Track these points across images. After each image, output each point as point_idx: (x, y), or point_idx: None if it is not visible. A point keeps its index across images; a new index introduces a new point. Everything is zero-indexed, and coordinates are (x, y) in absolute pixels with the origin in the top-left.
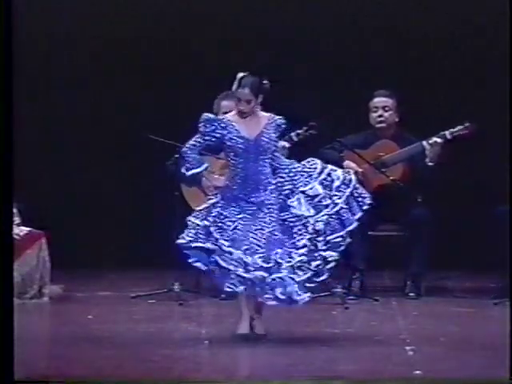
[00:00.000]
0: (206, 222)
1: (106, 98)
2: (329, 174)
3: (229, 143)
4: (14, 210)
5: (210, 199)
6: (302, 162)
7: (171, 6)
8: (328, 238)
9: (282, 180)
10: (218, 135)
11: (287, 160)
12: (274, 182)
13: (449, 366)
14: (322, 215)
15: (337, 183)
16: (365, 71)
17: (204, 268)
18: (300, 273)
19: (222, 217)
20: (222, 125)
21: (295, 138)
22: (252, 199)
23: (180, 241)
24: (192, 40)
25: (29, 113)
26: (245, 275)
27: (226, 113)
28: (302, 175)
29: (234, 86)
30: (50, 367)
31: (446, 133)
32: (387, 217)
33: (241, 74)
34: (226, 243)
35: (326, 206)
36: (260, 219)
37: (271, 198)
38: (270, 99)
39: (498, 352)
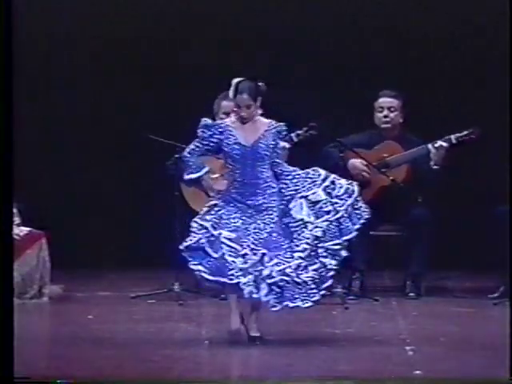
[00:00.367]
0: (205, 224)
1: (106, 98)
2: (332, 182)
3: (226, 149)
4: (14, 210)
5: (211, 201)
6: (306, 170)
7: (171, 6)
8: (327, 244)
9: (285, 186)
10: (215, 140)
11: (291, 167)
12: (274, 186)
13: (449, 366)
14: (323, 221)
15: (340, 191)
16: (365, 71)
17: (205, 273)
18: (297, 277)
19: (220, 218)
20: (220, 130)
21: (295, 139)
22: (249, 202)
23: (182, 245)
24: (192, 40)
25: (29, 113)
26: (242, 266)
27: (226, 113)
28: (305, 181)
29: (231, 93)
30: (50, 367)
31: (452, 137)
32: (388, 217)
33: (236, 80)
34: (226, 236)
35: (328, 213)
36: (259, 220)
37: (270, 201)
38: (270, 100)
39: (497, 352)
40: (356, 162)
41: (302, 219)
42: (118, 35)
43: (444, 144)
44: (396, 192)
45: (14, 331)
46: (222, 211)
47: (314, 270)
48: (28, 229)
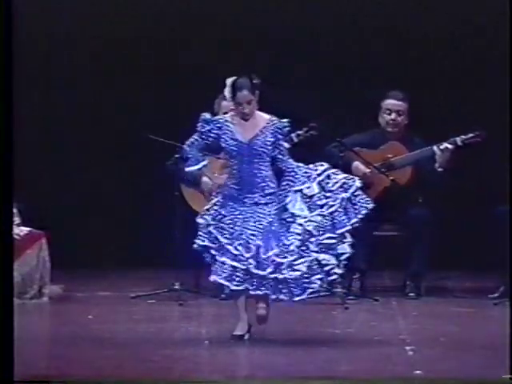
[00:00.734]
0: (204, 221)
1: (106, 98)
2: (328, 176)
3: (223, 144)
4: (14, 210)
5: (212, 199)
6: (310, 165)
7: (171, 6)
8: (320, 238)
9: (291, 183)
10: (213, 135)
11: (295, 163)
12: (273, 185)
13: (449, 366)
14: (316, 215)
15: (335, 186)
16: (365, 71)
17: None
18: (291, 271)
19: (220, 215)
20: (218, 125)
21: (295, 139)
22: (246, 200)
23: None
24: (192, 40)
25: (29, 113)
26: (237, 265)
27: (226, 113)
28: (302, 176)
29: (228, 93)
30: (50, 367)
31: (458, 139)
32: (388, 217)
33: (231, 79)
34: (225, 240)
35: (321, 206)
36: (258, 213)
37: (267, 199)
38: (270, 100)
39: (497, 352)
40: (360, 165)
41: (293, 213)
42: (118, 35)
43: (449, 146)
44: (398, 192)
45: (14, 331)
46: (222, 210)
47: (306, 265)
48: (28, 229)
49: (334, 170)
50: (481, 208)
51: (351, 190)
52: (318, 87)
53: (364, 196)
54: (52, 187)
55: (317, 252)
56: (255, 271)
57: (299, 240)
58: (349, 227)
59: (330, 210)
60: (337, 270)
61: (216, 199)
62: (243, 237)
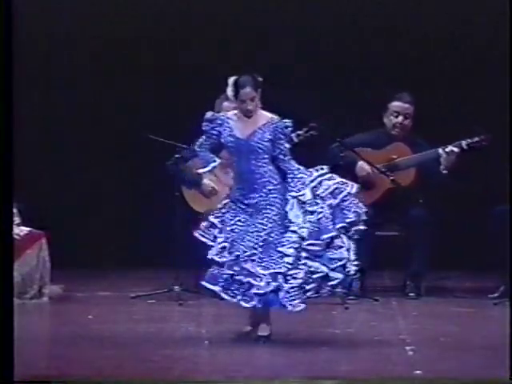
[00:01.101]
0: (209, 223)
1: (106, 98)
2: (320, 182)
3: (222, 141)
4: (14, 210)
5: (222, 200)
6: (309, 169)
7: (171, 6)
8: (307, 244)
9: (289, 187)
10: (216, 133)
11: (296, 166)
12: (275, 182)
13: (449, 366)
14: (307, 221)
15: (325, 192)
16: (365, 71)
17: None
18: (287, 281)
19: (223, 218)
20: (219, 122)
21: (296, 139)
22: (246, 201)
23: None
24: (192, 40)
25: (29, 113)
26: (237, 277)
27: None
28: (298, 181)
29: (231, 92)
30: (50, 367)
31: (463, 142)
32: (388, 217)
33: (233, 78)
34: (225, 244)
35: (311, 213)
36: (258, 220)
37: (269, 198)
38: (270, 100)
39: (498, 352)
40: (365, 165)
41: (289, 220)
42: (118, 35)
43: (455, 149)
44: (401, 193)
45: (14, 331)
46: (226, 213)
47: (302, 272)
48: (28, 229)
49: (328, 176)
50: (481, 208)
51: (341, 196)
52: (318, 87)
53: (356, 200)
54: (52, 187)
55: (307, 259)
56: (251, 282)
57: (294, 248)
58: (334, 233)
59: (318, 216)
60: (333, 275)
61: (224, 202)
62: (242, 244)
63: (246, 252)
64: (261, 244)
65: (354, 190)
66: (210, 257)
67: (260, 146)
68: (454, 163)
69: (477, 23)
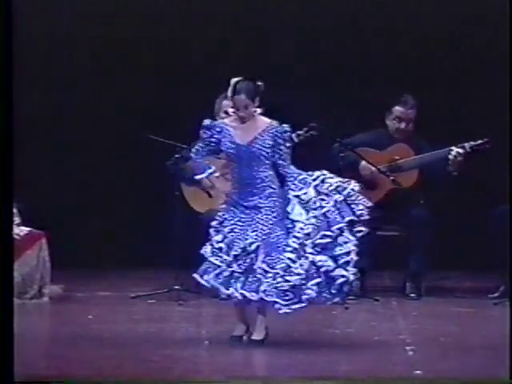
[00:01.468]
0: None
1: (106, 98)
2: (323, 181)
3: (223, 148)
4: (14, 210)
5: (222, 203)
6: (309, 172)
7: (171, 6)
8: (315, 238)
9: (289, 190)
10: (215, 140)
11: (296, 170)
12: (274, 186)
13: (449, 366)
14: (311, 217)
15: (329, 189)
16: (365, 71)
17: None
18: (288, 277)
19: (222, 220)
20: (218, 129)
21: (296, 139)
22: (246, 204)
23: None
24: (192, 40)
25: (29, 113)
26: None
27: (226, 112)
28: (300, 182)
29: (230, 93)
30: (50, 367)
31: (466, 145)
32: (389, 217)
33: (234, 80)
34: (221, 244)
35: (315, 209)
36: (257, 221)
37: (269, 201)
38: (270, 100)
39: (498, 352)
40: (368, 165)
41: (292, 219)
42: (118, 35)
43: (460, 151)
44: (403, 195)
45: (14, 331)
46: (225, 215)
47: (304, 268)
48: (28, 229)
49: (328, 176)
50: (481, 208)
51: (345, 192)
52: (318, 87)
53: (360, 197)
54: (52, 187)
55: (312, 254)
56: (250, 278)
57: (298, 244)
58: (343, 224)
59: (323, 210)
60: (339, 272)
61: (224, 205)
62: (242, 244)
63: (245, 251)
64: (261, 244)
65: (356, 188)
66: (206, 256)
67: (262, 152)
68: (461, 165)
69: (477, 23)
